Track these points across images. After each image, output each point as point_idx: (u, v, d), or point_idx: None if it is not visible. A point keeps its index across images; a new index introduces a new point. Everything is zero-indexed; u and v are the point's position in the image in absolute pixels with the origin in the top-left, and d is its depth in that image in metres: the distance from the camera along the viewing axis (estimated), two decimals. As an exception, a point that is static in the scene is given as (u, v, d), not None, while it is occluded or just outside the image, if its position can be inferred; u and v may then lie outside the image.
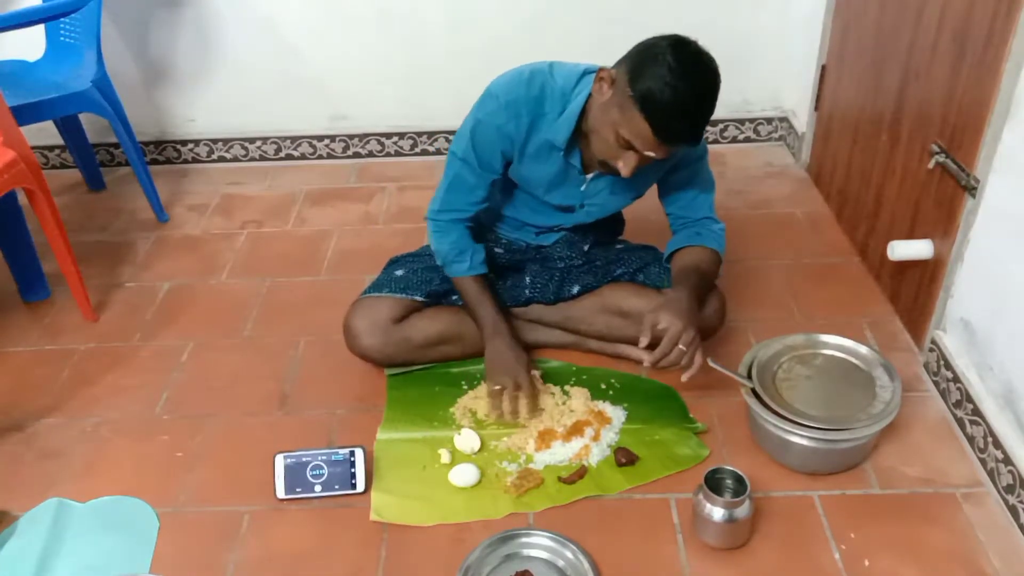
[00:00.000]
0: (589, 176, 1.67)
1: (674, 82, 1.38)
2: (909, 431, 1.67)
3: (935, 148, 1.72)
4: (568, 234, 1.85)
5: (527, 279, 1.86)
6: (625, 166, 1.50)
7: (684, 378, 1.57)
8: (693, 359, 1.56)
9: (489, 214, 1.84)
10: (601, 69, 1.50)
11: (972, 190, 1.60)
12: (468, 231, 1.76)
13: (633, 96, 1.41)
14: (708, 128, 2.76)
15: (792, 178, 2.64)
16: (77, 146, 2.70)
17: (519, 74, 1.62)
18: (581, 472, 1.59)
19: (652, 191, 1.78)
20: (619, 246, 1.92)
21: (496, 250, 1.88)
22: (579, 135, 1.59)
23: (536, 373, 1.74)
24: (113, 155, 2.89)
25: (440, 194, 1.74)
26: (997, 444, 1.52)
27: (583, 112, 1.56)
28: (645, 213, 1.80)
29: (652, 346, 1.57)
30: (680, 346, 1.54)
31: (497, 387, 1.69)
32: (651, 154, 1.47)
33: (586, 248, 1.87)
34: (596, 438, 1.66)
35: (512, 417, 1.69)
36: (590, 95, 1.54)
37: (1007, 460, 1.49)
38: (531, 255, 1.88)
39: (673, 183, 1.73)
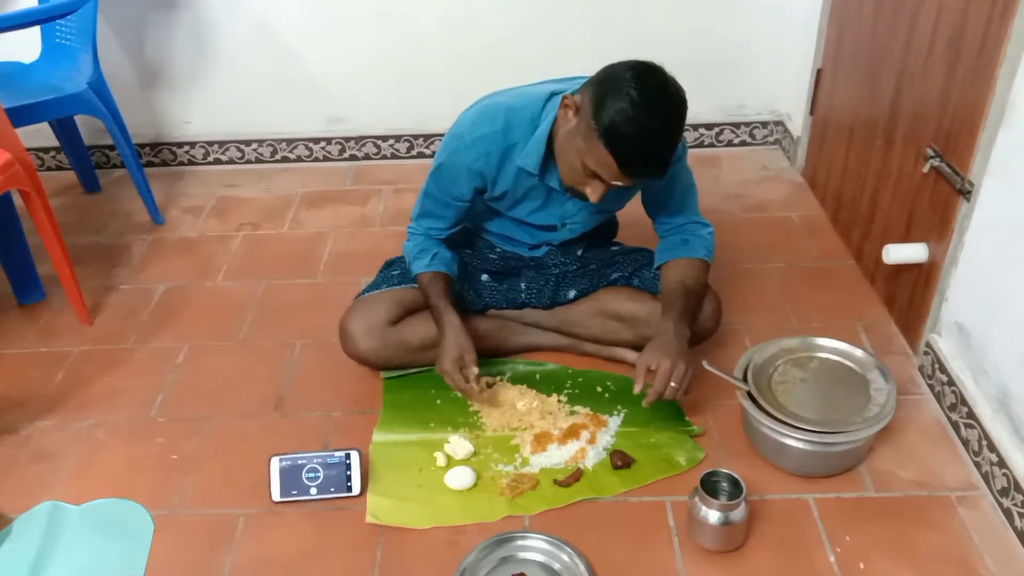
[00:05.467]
0: (568, 195, 1.67)
1: (637, 116, 1.37)
2: (904, 434, 1.67)
3: (930, 152, 1.73)
4: (563, 240, 1.85)
5: (522, 284, 1.86)
6: (593, 193, 1.50)
7: (646, 403, 1.59)
8: (686, 391, 1.58)
9: (479, 224, 1.85)
10: (565, 96, 1.49)
11: (967, 194, 1.61)
12: (439, 242, 1.78)
13: (597, 128, 1.40)
14: (703, 131, 2.82)
15: (787, 182, 2.65)
16: (72, 148, 2.70)
17: (483, 109, 1.62)
18: (577, 475, 1.59)
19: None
20: (614, 248, 1.93)
21: (490, 256, 1.88)
22: (552, 156, 1.58)
23: (476, 371, 1.67)
24: (109, 157, 2.89)
25: (415, 215, 1.79)
26: (992, 447, 1.52)
27: (552, 134, 1.55)
28: (639, 215, 1.81)
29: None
30: (672, 383, 1.55)
31: (447, 368, 1.66)
32: (618, 183, 1.46)
33: (580, 253, 1.87)
34: (592, 441, 1.66)
35: (465, 388, 1.66)
36: (556, 118, 1.53)
37: (1001, 463, 1.49)
38: (526, 262, 1.88)
39: (653, 190, 1.74)
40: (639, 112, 1.37)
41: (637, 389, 1.58)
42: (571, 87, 1.56)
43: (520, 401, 1.75)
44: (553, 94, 1.58)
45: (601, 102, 1.40)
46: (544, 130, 1.56)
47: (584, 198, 1.54)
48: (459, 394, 1.72)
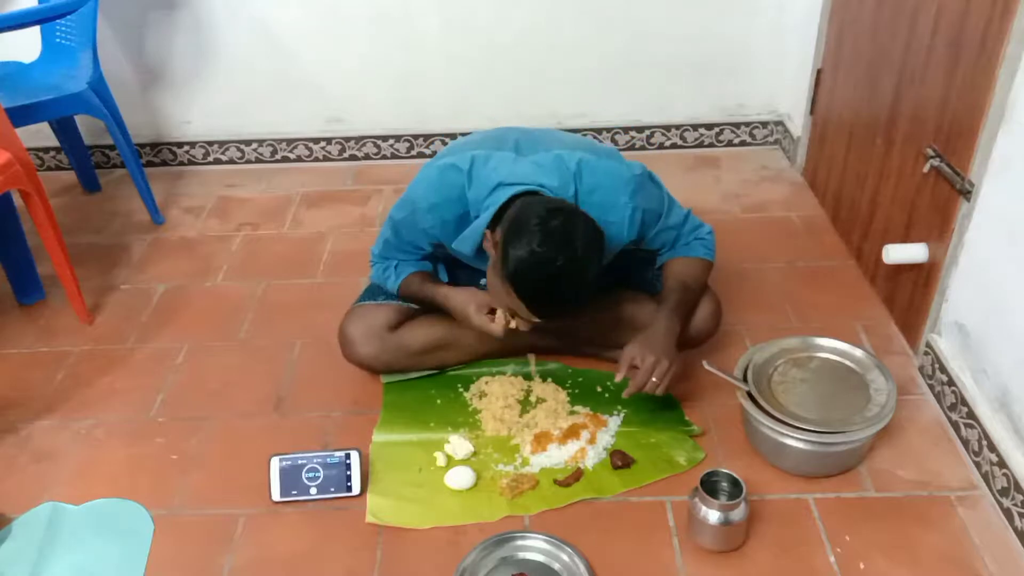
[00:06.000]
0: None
1: (538, 268, 1.37)
2: (904, 434, 1.67)
3: (930, 152, 1.73)
4: None
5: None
6: (521, 323, 1.53)
7: (625, 395, 1.61)
8: (665, 388, 1.58)
9: None
10: (487, 232, 1.51)
11: (967, 194, 1.61)
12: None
13: (505, 273, 1.41)
14: (703, 131, 2.83)
15: (787, 182, 2.65)
16: (72, 148, 2.70)
17: (438, 174, 1.61)
18: (577, 475, 1.59)
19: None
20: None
21: None
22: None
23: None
24: (109, 157, 2.89)
25: (375, 253, 1.81)
26: (992, 447, 1.53)
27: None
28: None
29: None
30: (653, 378, 1.56)
31: (472, 315, 1.64)
32: (538, 321, 1.48)
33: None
34: (592, 441, 1.66)
35: (506, 323, 1.63)
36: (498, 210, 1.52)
37: (1001, 463, 1.49)
38: None
39: (644, 244, 1.72)
40: (539, 262, 1.37)
41: (618, 378, 1.60)
42: (533, 155, 1.58)
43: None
44: (499, 185, 1.55)
45: (507, 246, 1.41)
46: (482, 222, 1.55)
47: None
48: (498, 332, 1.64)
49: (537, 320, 1.48)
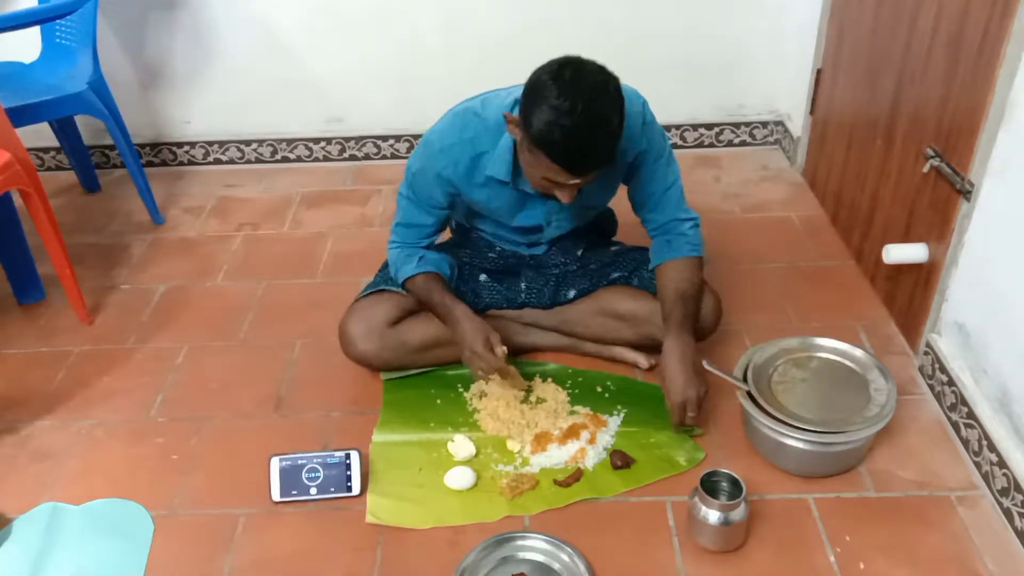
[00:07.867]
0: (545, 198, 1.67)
1: (560, 119, 1.36)
2: (904, 434, 1.67)
3: (930, 152, 1.73)
4: (561, 240, 1.85)
5: (523, 284, 1.86)
6: (561, 195, 1.51)
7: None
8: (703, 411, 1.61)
9: (472, 223, 1.86)
10: (506, 114, 1.51)
11: (967, 194, 1.61)
12: (422, 248, 1.79)
13: (531, 139, 1.41)
14: (703, 131, 2.82)
15: (787, 182, 2.65)
16: (72, 148, 2.70)
17: (453, 117, 1.64)
18: (577, 475, 1.59)
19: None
20: (613, 248, 1.93)
21: (489, 255, 1.88)
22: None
23: (503, 349, 1.67)
24: (109, 157, 2.89)
25: (394, 228, 1.79)
26: (992, 447, 1.53)
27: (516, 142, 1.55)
28: (639, 214, 1.81)
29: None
30: (690, 412, 1.58)
31: (469, 353, 1.66)
32: (577, 182, 1.46)
33: (580, 253, 1.87)
34: (592, 441, 1.66)
35: (493, 373, 1.68)
36: None
37: (1001, 463, 1.49)
38: (526, 261, 1.88)
39: (634, 187, 1.73)
40: (560, 114, 1.36)
41: (675, 422, 1.61)
42: None
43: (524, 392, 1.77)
44: (518, 101, 1.55)
45: (528, 113, 1.41)
46: (508, 140, 1.57)
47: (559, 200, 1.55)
48: (487, 377, 1.71)
49: (575, 182, 1.46)
